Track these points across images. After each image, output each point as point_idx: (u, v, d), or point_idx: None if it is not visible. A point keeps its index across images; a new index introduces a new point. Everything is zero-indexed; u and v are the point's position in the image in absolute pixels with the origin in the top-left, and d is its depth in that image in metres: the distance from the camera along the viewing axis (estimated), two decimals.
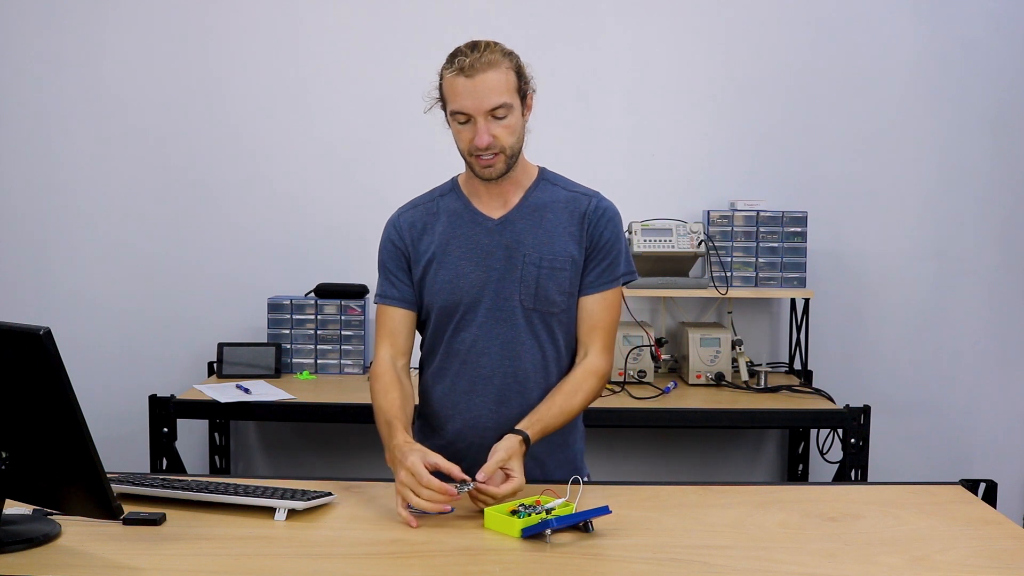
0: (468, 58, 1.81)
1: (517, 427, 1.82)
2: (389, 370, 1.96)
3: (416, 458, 1.69)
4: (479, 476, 1.70)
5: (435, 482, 1.66)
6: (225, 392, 3.11)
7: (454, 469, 1.70)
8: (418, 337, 2.07)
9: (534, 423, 1.84)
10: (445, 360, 1.98)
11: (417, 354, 2.08)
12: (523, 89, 1.88)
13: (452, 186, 2.03)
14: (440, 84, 1.88)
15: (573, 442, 2.05)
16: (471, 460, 1.90)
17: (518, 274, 1.93)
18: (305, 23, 3.55)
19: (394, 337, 2.00)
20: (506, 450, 1.75)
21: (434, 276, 1.96)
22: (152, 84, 3.56)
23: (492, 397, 1.95)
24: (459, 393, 1.97)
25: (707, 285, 3.35)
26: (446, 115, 1.90)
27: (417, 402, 2.06)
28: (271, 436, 3.67)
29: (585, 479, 1.99)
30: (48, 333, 1.42)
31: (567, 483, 1.80)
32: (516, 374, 1.94)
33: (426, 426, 2.05)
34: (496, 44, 1.86)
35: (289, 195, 3.59)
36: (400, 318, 2.00)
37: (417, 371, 2.09)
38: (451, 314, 1.95)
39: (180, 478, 1.89)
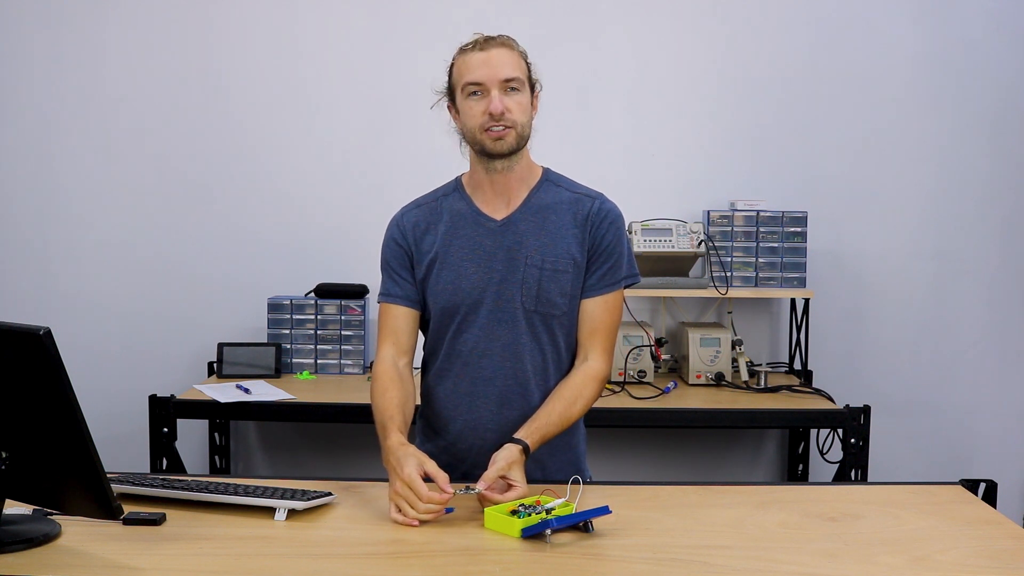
0: (482, 38, 1.88)
1: (516, 435, 1.81)
2: (389, 369, 1.95)
3: (412, 469, 1.68)
4: (480, 485, 1.70)
5: (434, 496, 1.65)
6: (225, 392, 3.11)
7: (440, 477, 1.69)
8: (420, 338, 2.07)
9: (533, 432, 1.83)
10: (447, 362, 1.98)
11: (420, 355, 2.08)
12: (531, 82, 1.91)
13: (456, 186, 2.02)
14: (450, 70, 1.90)
15: (575, 444, 2.04)
16: (472, 462, 1.90)
17: (520, 276, 1.92)
18: (305, 23, 3.55)
19: (396, 335, 1.98)
20: (506, 459, 1.74)
21: (436, 277, 1.95)
22: (152, 84, 3.56)
23: (494, 399, 1.94)
24: (461, 395, 1.97)
25: (707, 285, 3.35)
26: (454, 107, 1.91)
27: (419, 403, 2.06)
28: (271, 436, 3.67)
29: (588, 480, 1.99)
30: (48, 333, 1.42)
31: (567, 483, 1.80)
32: (517, 376, 1.93)
33: (428, 428, 2.05)
34: (508, 37, 1.92)
35: (289, 195, 3.59)
36: (403, 316, 1.99)
37: (419, 372, 2.08)
38: (452, 315, 1.95)
39: (180, 478, 1.89)
